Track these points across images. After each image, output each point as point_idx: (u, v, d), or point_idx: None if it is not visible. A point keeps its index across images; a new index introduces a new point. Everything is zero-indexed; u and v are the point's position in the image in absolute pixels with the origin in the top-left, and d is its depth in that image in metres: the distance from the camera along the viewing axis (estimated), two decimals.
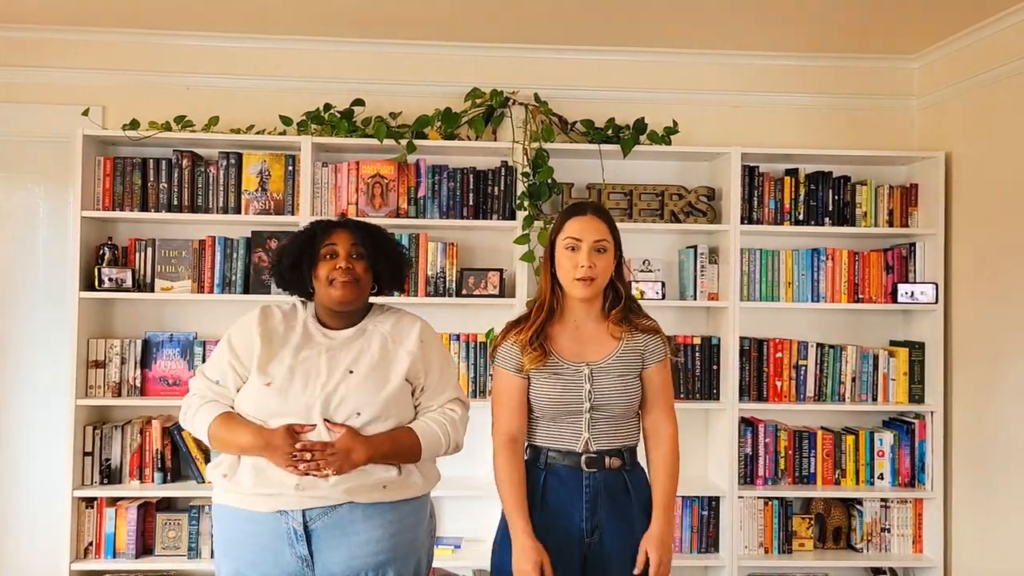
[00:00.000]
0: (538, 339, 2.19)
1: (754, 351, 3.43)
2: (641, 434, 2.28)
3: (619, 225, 2.29)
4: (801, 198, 3.48)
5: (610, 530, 2.17)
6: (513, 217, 3.36)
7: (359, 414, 2.01)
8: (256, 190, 3.32)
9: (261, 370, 2.04)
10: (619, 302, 2.25)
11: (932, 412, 3.41)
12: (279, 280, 2.18)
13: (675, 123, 3.49)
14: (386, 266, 2.16)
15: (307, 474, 1.95)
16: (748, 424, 3.45)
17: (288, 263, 2.13)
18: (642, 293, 3.33)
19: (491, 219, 3.38)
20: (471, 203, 3.39)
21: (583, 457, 2.17)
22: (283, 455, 1.95)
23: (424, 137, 3.38)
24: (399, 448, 2.05)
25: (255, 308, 2.16)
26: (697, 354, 3.42)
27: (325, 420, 1.99)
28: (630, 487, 2.20)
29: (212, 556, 3.18)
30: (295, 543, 1.99)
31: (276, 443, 1.96)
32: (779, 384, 3.44)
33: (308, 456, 1.95)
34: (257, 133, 3.38)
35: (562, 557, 2.15)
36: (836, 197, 3.49)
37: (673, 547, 2.19)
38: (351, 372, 2.05)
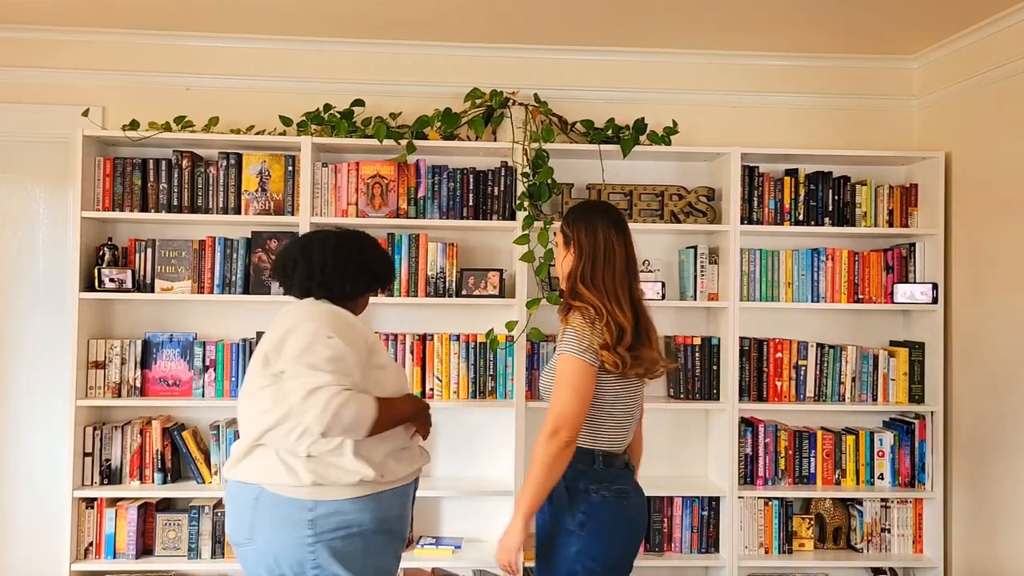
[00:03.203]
0: None
1: (754, 351, 3.43)
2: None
3: None
4: (801, 198, 3.48)
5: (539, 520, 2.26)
6: (513, 217, 3.36)
7: None
8: (256, 190, 3.32)
9: (380, 356, 2.20)
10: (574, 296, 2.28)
11: (932, 412, 3.41)
12: (338, 281, 2.24)
13: (675, 123, 3.49)
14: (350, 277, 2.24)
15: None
16: (748, 424, 3.45)
17: (362, 288, 2.28)
18: (642, 294, 3.31)
19: (491, 219, 3.38)
20: (471, 203, 3.38)
21: None
22: (428, 417, 2.27)
23: (424, 137, 3.38)
24: None
25: (306, 322, 2.09)
26: (697, 354, 3.42)
27: None
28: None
29: (212, 556, 3.20)
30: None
31: (422, 407, 2.26)
32: (779, 384, 3.44)
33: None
34: (257, 133, 3.38)
35: None
36: (836, 197, 3.49)
37: (514, 547, 2.10)
38: None
